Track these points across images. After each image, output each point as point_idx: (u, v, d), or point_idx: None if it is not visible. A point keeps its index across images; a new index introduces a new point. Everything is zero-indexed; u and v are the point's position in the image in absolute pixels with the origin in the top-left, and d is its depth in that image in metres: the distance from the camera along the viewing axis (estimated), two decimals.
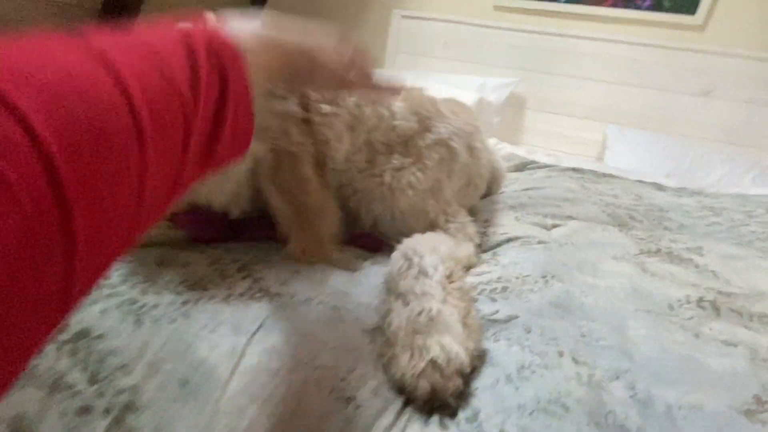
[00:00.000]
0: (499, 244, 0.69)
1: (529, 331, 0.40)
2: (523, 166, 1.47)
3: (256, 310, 0.39)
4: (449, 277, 0.45)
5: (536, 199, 0.96)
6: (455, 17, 2.14)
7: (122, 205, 0.18)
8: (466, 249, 0.59)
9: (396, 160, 0.59)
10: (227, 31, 0.26)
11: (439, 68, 2.20)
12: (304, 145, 0.46)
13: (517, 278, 0.53)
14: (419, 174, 0.60)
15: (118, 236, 0.18)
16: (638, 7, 1.89)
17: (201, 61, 0.22)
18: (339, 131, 0.50)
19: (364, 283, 0.47)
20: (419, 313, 0.38)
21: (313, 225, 0.47)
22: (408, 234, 0.59)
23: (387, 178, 0.58)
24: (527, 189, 1.12)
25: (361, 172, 0.57)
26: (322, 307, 0.41)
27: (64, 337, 0.36)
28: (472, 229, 0.66)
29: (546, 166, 1.47)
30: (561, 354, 0.37)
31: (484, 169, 0.84)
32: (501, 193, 1.12)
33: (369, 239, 0.59)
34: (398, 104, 0.61)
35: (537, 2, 2.02)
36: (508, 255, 0.62)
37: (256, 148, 0.42)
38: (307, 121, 0.47)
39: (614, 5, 1.91)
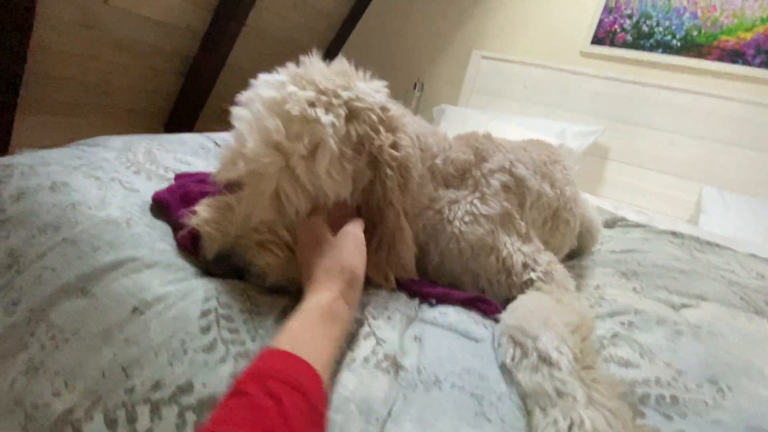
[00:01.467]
0: (624, 312, 0.59)
1: None
2: (613, 223, 1.34)
3: (384, 388, 0.32)
4: (580, 361, 0.36)
5: (647, 268, 0.84)
6: (538, 61, 2.09)
7: None
8: (578, 309, 0.49)
9: (452, 194, 0.56)
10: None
11: (515, 110, 2.14)
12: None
13: (674, 379, 0.43)
14: (477, 202, 0.55)
15: None
16: (748, 63, 1.73)
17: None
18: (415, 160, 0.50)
19: (495, 361, 0.39)
20: (569, 429, 0.30)
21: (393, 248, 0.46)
22: (480, 278, 0.54)
23: (445, 211, 0.55)
24: (628, 251, 1.00)
25: (426, 209, 0.56)
26: (457, 393, 0.33)
27: (187, 400, 0.31)
28: (560, 272, 0.57)
29: (638, 225, 1.33)
30: None
31: (573, 204, 0.73)
32: (598, 250, 1.01)
33: (484, 302, 0.51)
34: (451, 137, 0.60)
35: (629, 51, 1.92)
36: (647, 335, 0.52)
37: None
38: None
39: (720, 59, 1.77)
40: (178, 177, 0.54)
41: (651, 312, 0.60)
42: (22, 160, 0.48)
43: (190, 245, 0.42)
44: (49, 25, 1.40)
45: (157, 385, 0.31)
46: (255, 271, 0.40)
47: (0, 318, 0.37)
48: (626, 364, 0.44)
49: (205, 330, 0.34)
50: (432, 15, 2.38)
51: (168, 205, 0.45)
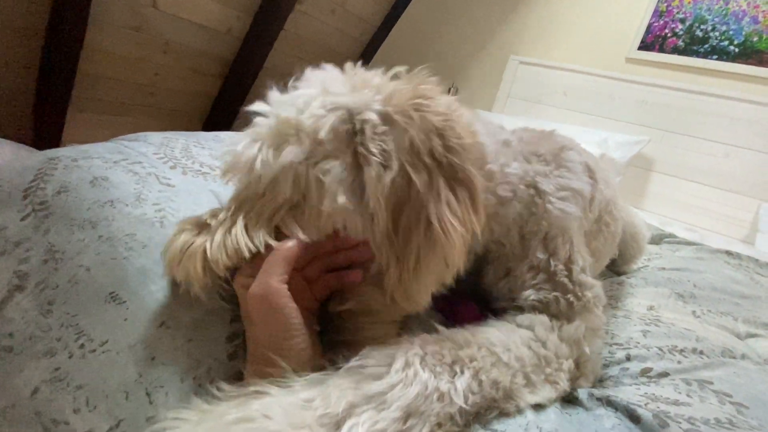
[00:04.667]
0: (684, 338, 0.53)
1: None
2: (659, 239, 1.25)
3: None
4: None
5: (706, 290, 0.77)
6: (579, 67, 2.01)
7: None
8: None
9: (537, 167, 0.46)
10: None
11: (553, 117, 2.06)
12: None
13: (734, 416, 0.38)
14: (568, 174, 0.46)
15: None
16: None
17: None
18: None
19: None
20: None
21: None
22: (518, 268, 0.44)
23: (539, 183, 0.46)
24: (679, 269, 0.92)
25: (514, 185, 0.46)
26: None
27: None
28: (598, 319, 0.43)
29: (689, 243, 1.24)
30: None
31: (614, 207, 0.61)
32: (645, 267, 0.94)
33: (469, 311, 0.45)
34: None
35: (681, 57, 1.81)
36: (710, 367, 0.46)
37: None
38: None
39: None
40: None
41: (714, 341, 0.54)
42: (66, 153, 0.49)
43: None
44: (100, 27, 1.47)
45: None
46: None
47: (35, 317, 0.36)
48: (674, 402, 0.39)
49: (232, 356, 0.33)
50: (468, 20, 2.34)
51: None
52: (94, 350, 0.33)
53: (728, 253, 1.16)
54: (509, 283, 0.44)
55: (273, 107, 0.36)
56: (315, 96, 0.35)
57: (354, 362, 0.30)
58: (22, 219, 0.44)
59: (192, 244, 0.33)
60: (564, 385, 0.38)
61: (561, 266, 0.43)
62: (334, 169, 0.32)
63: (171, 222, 0.42)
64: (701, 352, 0.49)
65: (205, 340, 0.34)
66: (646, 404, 0.38)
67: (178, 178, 0.50)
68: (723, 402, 0.40)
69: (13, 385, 0.34)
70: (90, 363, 0.33)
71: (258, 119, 0.36)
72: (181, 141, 0.63)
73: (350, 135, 0.33)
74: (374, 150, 0.32)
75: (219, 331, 0.34)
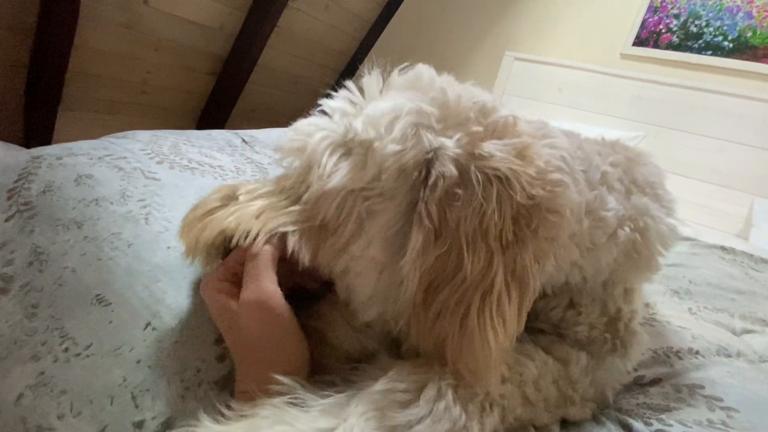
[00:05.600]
0: (679, 336, 0.53)
1: None
2: None
3: None
4: None
5: (701, 286, 0.77)
6: (574, 63, 2.01)
7: None
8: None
9: (640, 200, 0.42)
10: None
11: (549, 114, 2.06)
12: None
13: (725, 421, 0.37)
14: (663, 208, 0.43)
15: None
16: None
17: None
18: None
19: None
20: None
21: None
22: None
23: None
24: (674, 265, 0.92)
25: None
26: None
27: None
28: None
29: (684, 238, 1.24)
30: None
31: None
32: None
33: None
34: None
35: (675, 53, 1.81)
36: (705, 368, 0.46)
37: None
38: None
39: None
40: None
41: (710, 338, 0.53)
42: (50, 151, 0.48)
43: None
44: (91, 24, 1.45)
45: (168, 424, 0.29)
46: None
47: (20, 321, 0.35)
48: (665, 409, 0.38)
49: (221, 358, 0.32)
50: (463, 16, 2.34)
51: None
52: (79, 354, 0.32)
53: (723, 248, 1.16)
54: (566, 314, 0.38)
55: (358, 101, 0.32)
56: (401, 117, 0.29)
57: (381, 385, 0.26)
58: (7, 220, 0.43)
59: (215, 212, 0.31)
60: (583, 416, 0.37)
61: (628, 314, 0.40)
62: (383, 215, 0.28)
63: (156, 218, 0.41)
64: (696, 352, 0.49)
65: (192, 342, 0.33)
66: (636, 412, 0.38)
67: (165, 173, 0.49)
68: (712, 408, 0.40)
69: None
70: (74, 367, 0.32)
71: (339, 103, 0.32)
72: (170, 138, 0.62)
73: (417, 182, 0.28)
74: (434, 214, 0.27)
75: (207, 333, 0.34)
